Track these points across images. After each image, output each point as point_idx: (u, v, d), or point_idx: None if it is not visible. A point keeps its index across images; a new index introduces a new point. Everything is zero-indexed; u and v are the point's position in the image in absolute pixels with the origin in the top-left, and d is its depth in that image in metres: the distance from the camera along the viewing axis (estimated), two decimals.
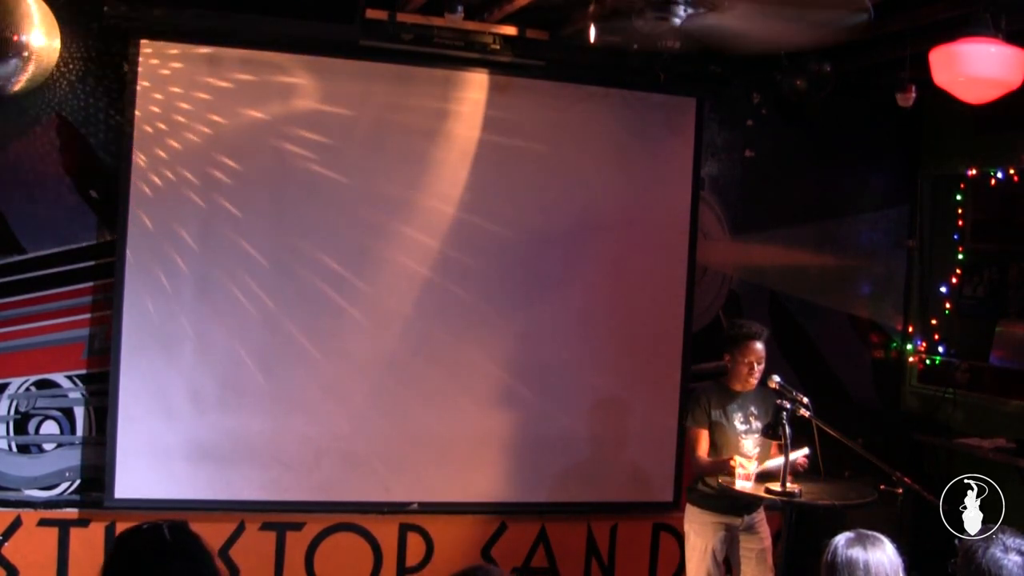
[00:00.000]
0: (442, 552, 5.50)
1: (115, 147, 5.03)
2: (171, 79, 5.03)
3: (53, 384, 5.04)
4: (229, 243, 5.13)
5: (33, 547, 4.98)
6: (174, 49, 5.03)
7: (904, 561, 2.71)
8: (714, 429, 4.78)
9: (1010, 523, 2.77)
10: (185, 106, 5.05)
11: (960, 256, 6.09)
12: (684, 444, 5.30)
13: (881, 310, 6.32)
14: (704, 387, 4.93)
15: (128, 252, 4.98)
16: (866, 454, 4.56)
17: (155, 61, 5.01)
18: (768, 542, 4.83)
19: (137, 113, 4.97)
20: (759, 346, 4.74)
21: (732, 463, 4.52)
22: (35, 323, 5.01)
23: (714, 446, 4.78)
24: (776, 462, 4.61)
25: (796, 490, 4.37)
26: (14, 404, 5.00)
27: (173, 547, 2.20)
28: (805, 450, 4.59)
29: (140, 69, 4.97)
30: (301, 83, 5.20)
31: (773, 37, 4.15)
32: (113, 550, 2.25)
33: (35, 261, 5.00)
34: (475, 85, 5.44)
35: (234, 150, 5.12)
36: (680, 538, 4.97)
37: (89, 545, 5.04)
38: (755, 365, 4.73)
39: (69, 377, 5.06)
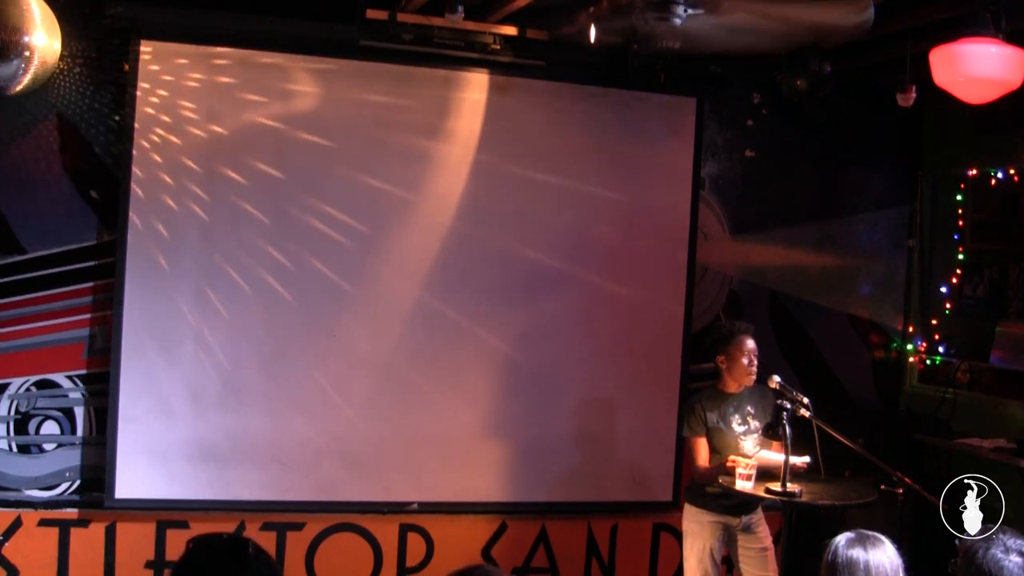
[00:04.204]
0: (442, 552, 5.50)
1: (115, 147, 5.03)
2: (171, 79, 5.02)
3: (53, 384, 5.04)
4: (229, 242, 5.13)
5: (33, 547, 4.98)
6: (174, 49, 5.02)
7: (904, 561, 2.71)
8: (713, 435, 4.77)
9: (1010, 523, 2.77)
10: (185, 106, 5.05)
11: (960, 256, 6.09)
12: (683, 453, 5.30)
13: (881, 310, 6.32)
14: (697, 395, 4.92)
15: (128, 252, 4.98)
16: (866, 454, 4.56)
17: (155, 61, 5.00)
18: (769, 542, 4.83)
19: (137, 113, 4.97)
20: (751, 341, 4.77)
21: (730, 463, 4.52)
22: (35, 323, 5.01)
23: (715, 451, 4.77)
24: (774, 454, 4.62)
25: (796, 490, 4.37)
26: (14, 404, 5.00)
27: (254, 561, 2.23)
28: (806, 458, 4.59)
29: (140, 69, 4.97)
30: (301, 83, 5.20)
31: (774, 37, 4.16)
32: (192, 551, 2.28)
33: (35, 261, 5.00)
34: (475, 85, 5.43)
35: (234, 150, 5.12)
36: (680, 538, 4.97)
37: (89, 545, 5.05)
38: (752, 359, 4.74)
39: (69, 377, 5.06)
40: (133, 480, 5.01)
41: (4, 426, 4.99)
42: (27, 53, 4.51)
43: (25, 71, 4.55)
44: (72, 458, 5.06)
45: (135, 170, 4.98)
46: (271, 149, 5.17)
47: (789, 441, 4.41)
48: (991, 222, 5.95)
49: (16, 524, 4.98)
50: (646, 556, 5.87)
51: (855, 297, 6.26)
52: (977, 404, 5.82)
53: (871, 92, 6.00)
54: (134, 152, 4.98)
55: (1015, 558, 2.56)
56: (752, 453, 4.67)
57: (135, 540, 5.09)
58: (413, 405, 5.38)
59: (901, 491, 4.42)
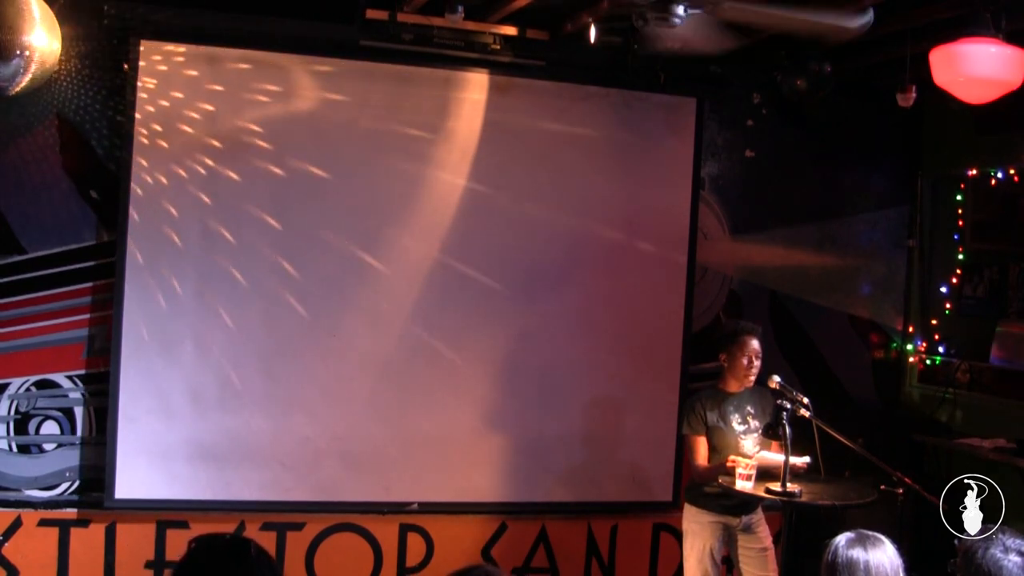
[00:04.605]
0: (442, 552, 5.50)
1: (115, 147, 5.03)
2: (171, 79, 5.03)
3: (53, 384, 5.04)
4: (229, 243, 5.13)
5: (33, 547, 4.99)
6: (174, 49, 5.02)
7: (904, 561, 2.71)
8: (713, 433, 4.77)
9: (1010, 523, 2.77)
10: (185, 106, 5.05)
11: (960, 256, 6.09)
12: (683, 451, 5.29)
13: (881, 310, 6.32)
14: (698, 394, 4.93)
15: (128, 252, 4.98)
16: (866, 454, 4.56)
17: (155, 61, 5.00)
18: (769, 542, 4.83)
19: (137, 113, 4.97)
20: (755, 342, 4.76)
21: (730, 463, 4.52)
22: (35, 323, 5.01)
23: (714, 450, 4.77)
24: (774, 454, 4.62)
25: (796, 490, 4.37)
26: (14, 404, 5.00)
27: (255, 561, 2.23)
28: (806, 458, 4.59)
29: (140, 69, 4.97)
30: (301, 83, 5.20)
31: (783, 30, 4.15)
32: (194, 550, 2.29)
33: (35, 261, 5.00)
34: (475, 85, 5.43)
35: (233, 150, 5.12)
36: (680, 538, 4.97)
37: (89, 545, 5.04)
38: (753, 359, 4.74)
39: (69, 377, 5.06)
40: (133, 480, 5.01)
41: (4, 426, 4.99)
42: (27, 53, 4.51)
43: (25, 71, 4.55)
44: (72, 458, 5.06)
45: (135, 170, 4.98)
46: (271, 149, 5.17)
47: (789, 441, 4.41)
48: (991, 222, 5.95)
49: (16, 524, 4.98)
50: (646, 556, 5.87)
51: (855, 297, 6.26)
52: (977, 404, 5.82)
53: (871, 92, 6.00)
54: (134, 152, 4.97)
55: (1014, 558, 2.56)
56: (752, 453, 4.67)
57: (135, 540, 5.09)
58: (413, 405, 5.38)
59: (901, 491, 4.42)
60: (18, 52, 4.48)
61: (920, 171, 6.29)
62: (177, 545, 4.94)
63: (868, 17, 4.08)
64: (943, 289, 6.18)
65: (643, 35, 3.97)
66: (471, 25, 5.21)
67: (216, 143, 5.10)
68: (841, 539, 2.72)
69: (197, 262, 5.10)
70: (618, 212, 5.66)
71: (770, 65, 5.68)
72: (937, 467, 5.85)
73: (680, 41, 4.02)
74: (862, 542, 2.69)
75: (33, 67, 4.57)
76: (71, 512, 5.05)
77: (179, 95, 5.04)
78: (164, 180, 5.03)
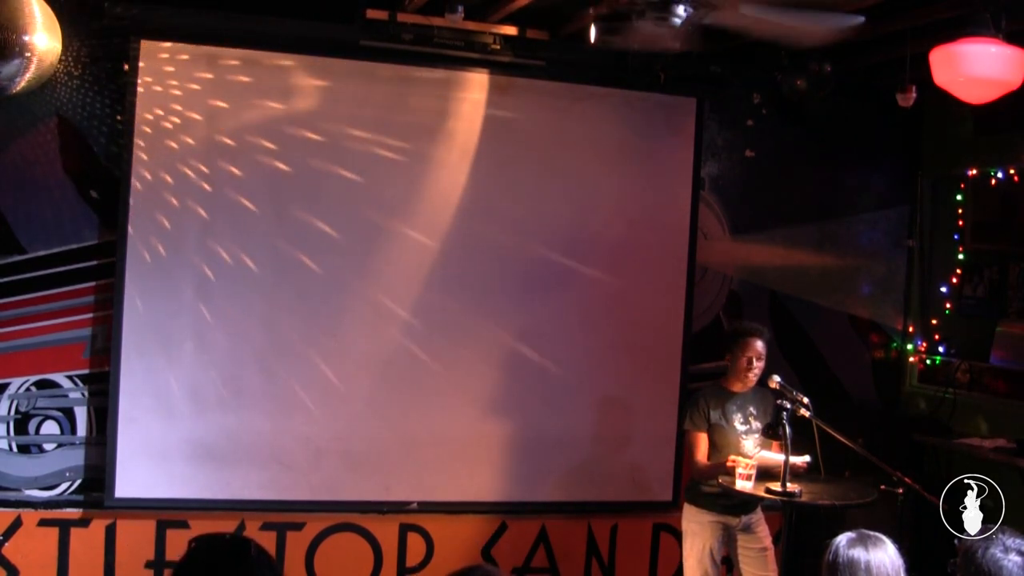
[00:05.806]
0: (442, 552, 5.50)
1: (115, 147, 5.03)
2: (172, 79, 5.03)
3: (53, 384, 5.04)
4: (229, 242, 5.13)
5: (33, 547, 4.98)
6: (174, 49, 5.03)
7: (905, 561, 2.71)
8: (714, 431, 4.78)
9: (1010, 523, 2.77)
10: (185, 105, 5.05)
11: (960, 256, 6.09)
12: (683, 447, 5.30)
13: (881, 310, 6.32)
14: (702, 390, 4.93)
15: (128, 252, 4.98)
16: (866, 454, 4.57)
17: (156, 61, 5.00)
18: (768, 542, 4.83)
19: (137, 113, 4.97)
20: (759, 343, 4.76)
21: (730, 463, 4.52)
22: (35, 323, 5.01)
23: (715, 447, 4.78)
24: (775, 454, 4.62)
25: (796, 490, 4.37)
26: (14, 404, 5.00)
27: (255, 561, 2.23)
28: (807, 457, 4.59)
29: (141, 69, 4.97)
30: (301, 83, 5.20)
31: (775, 34, 4.14)
32: (194, 550, 2.29)
33: (36, 261, 5.00)
34: (475, 85, 5.44)
35: (234, 150, 5.12)
36: (680, 538, 4.97)
37: (89, 545, 5.04)
38: (754, 361, 4.74)
39: (69, 377, 5.06)
40: (133, 480, 5.01)
41: (4, 426, 4.99)
42: (27, 53, 4.51)
43: (25, 71, 4.55)
44: (72, 458, 5.06)
45: (135, 169, 4.98)
46: (271, 149, 5.17)
47: (789, 441, 4.41)
48: (991, 222, 5.95)
49: (16, 524, 4.98)
50: (646, 556, 5.87)
51: (855, 297, 6.26)
52: (977, 404, 5.82)
53: (871, 92, 6.00)
54: (134, 151, 4.98)
55: (1014, 557, 2.56)
56: (752, 453, 4.67)
57: (135, 540, 5.09)
58: (413, 405, 5.39)
59: (901, 491, 4.43)
60: (18, 52, 4.48)
61: (920, 171, 6.29)
62: (177, 545, 4.94)
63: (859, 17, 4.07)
64: (943, 289, 6.18)
65: (641, 34, 3.96)
66: (471, 25, 5.22)
67: (216, 142, 5.10)
68: (842, 539, 2.72)
69: (197, 261, 5.09)
70: (618, 212, 5.66)
71: (770, 65, 5.67)
72: (937, 467, 5.86)
73: (678, 40, 4.02)
74: (863, 542, 2.69)
75: (33, 67, 4.57)
76: (71, 512, 5.05)
77: (179, 95, 5.04)
78: (164, 179, 5.03)
